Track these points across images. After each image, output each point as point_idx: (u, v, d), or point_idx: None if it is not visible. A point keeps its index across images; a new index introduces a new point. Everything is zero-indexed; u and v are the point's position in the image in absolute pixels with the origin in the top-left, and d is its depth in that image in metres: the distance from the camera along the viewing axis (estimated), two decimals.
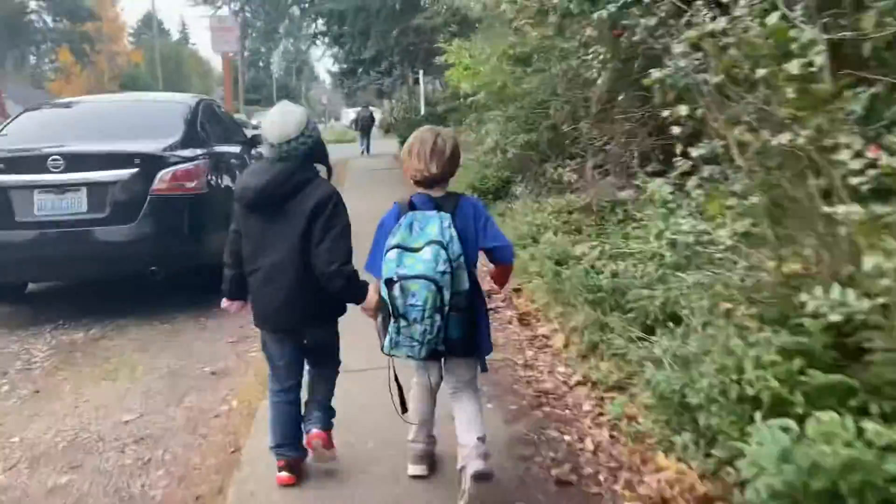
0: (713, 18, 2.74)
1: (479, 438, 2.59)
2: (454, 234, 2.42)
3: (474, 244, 2.54)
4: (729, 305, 2.82)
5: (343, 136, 32.28)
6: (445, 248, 2.37)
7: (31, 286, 6.46)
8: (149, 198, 5.41)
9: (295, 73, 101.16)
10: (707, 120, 2.92)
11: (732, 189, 2.80)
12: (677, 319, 3.73)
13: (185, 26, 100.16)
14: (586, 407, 3.56)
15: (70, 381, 4.43)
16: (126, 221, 5.38)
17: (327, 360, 2.99)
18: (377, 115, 30.83)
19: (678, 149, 3.18)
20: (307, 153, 2.69)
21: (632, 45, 4.91)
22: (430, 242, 2.38)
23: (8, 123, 6.29)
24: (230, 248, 2.92)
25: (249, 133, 8.28)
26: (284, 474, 2.86)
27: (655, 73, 2.91)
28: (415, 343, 2.44)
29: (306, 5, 25.96)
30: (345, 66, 33.37)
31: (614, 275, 4.31)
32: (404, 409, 2.80)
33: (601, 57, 5.36)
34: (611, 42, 4.92)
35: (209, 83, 62.33)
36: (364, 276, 2.71)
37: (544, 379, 3.99)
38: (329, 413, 2.99)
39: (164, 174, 5.47)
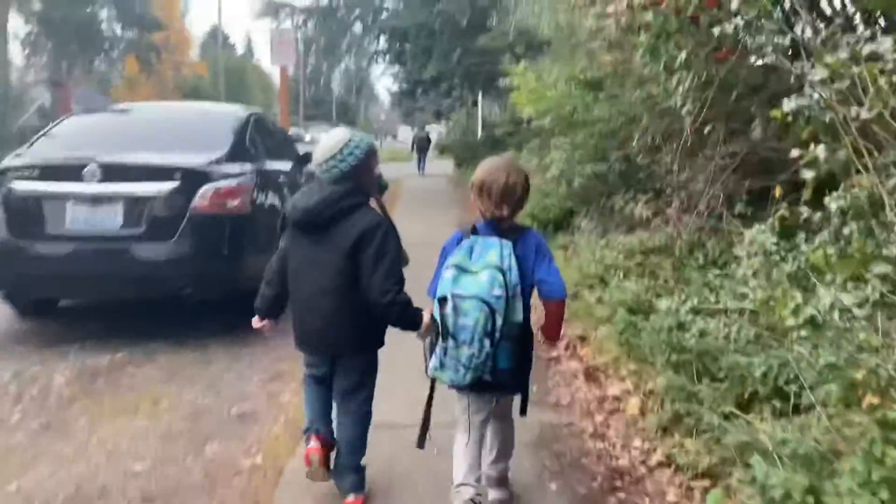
0: (871, 38, 2.17)
1: (493, 463, 2.70)
2: (514, 263, 2.39)
3: (531, 278, 2.50)
4: (875, 401, 2.21)
5: (397, 155, 32.08)
6: (504, 274, 2.34)
7: (63, 301, 6.14)
8: (188, 215, 5.02)
9: (355, 91, 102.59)
10: (851, 164, 2.35)
11: (886, 254, 2.21)
12: (783, 395, 3.14)
13: (250, 40, 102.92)
14: (671, 497, 2.97)
15: (86, 413, 4.01)
16: (163, 239, 5.00)
17: (357, 393, 2.82)
18: (433, 136, 30.62)
19: (804, 194, 2.61)
20: (347, 173, 2.64)
21: (731, 69, 4.39)
22: (488, 266, 2.36)
23: (51, 128, 6.00)
24: (275, 265, 2.86)
25: (303, 149, 7.89)
26: (314, 444, 2.80)
27: (789, 104, 2.34)
28: (461, 367, 2.38)
29: (370, 22, 25.88)
30: (405, 85, 33.38)
31: (702, 334, 3.71)
32: (421, 443, 2.67)
33: (687, 84, 4.80)
34: (705, 66, 4.36)
35: (270, 97, 63.25)
36: (417, 303, 2.63)
37: (618, 454, 3.40)
38: (361, 472, 2.85)
39: (206, 191, 5.08)
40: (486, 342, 2.34)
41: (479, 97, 27.68)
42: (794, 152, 2.44)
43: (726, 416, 3.18)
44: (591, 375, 4.37)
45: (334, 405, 2.89)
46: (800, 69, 2.49)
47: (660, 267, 5.26)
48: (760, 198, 4.95)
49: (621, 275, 5.37)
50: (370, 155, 2.70)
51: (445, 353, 2.42)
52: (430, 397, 2.63)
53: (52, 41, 34.76)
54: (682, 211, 5.71)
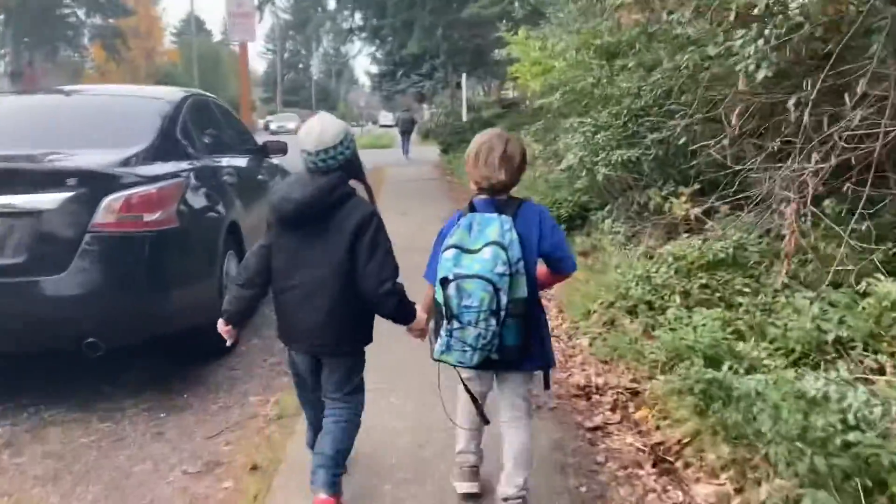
0: None
1: (518, 487, 2.52)
2: (515, 237, 2.31)
3: (535, 250, 2.41)
4: None
5: (378, 141, 30.53)
6: (505, 250, 2.26)
7: None
8: (87, 236, 3.62)
9: (335, 75, 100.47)
10: None
11: None
12: None
13: (226, 27, 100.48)
14: None
15: None
16: (53, 271, 3.59)
17: (345, 390, 2.69)
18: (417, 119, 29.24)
19: None
20: (344, 166, 2.55)
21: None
22: (489, 243, 2.27)
23: None
24: (254, 266, 2.68)
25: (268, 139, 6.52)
26: (322, 497, 2.54)
27: None
28: (467, 348, 2.31)
29: None
30: (384, 67, 31.93)
31: (849, 427, 2.35)
32: (484, 418, 2.60)
33: (761, 43, 3.48)
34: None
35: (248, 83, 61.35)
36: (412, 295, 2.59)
37: None
38: (339, 473, 2.63)
39: (113, 201, 3.67)
40: (493, 321, 2.27)
41: (464, 79, 26.30)
42: None
43: None
44: (662, 462, 3.02)
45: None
46: None
47: (733, 289, 3.92)
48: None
49: (677, 298, 4.04)
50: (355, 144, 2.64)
51: (451, 335, 2.32)
52: (463, 383, 2.58)
53: (9, 29, 32.80)
54: (731, 207, 4.41)
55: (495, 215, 2.34)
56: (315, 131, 2.51)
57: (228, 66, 53.78)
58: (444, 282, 2.30)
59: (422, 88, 30.78)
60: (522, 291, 2.32)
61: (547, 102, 6.96)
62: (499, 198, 2.43)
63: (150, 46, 40.96)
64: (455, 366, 2.45)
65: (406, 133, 24.10)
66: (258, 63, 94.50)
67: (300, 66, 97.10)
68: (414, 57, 23.12)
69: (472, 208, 2.42)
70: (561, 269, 2.50)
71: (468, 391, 2.57)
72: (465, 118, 23.29)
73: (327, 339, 2.57)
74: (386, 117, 53.16)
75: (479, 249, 2.28)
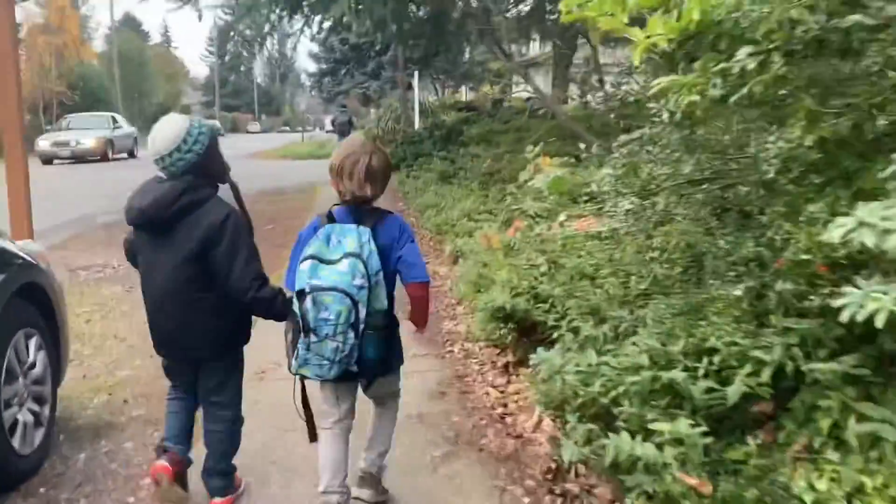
0: None
1: (378, 454, 2.61)
2: (373, 248, 2.27)
3: (394, 263, 2.35)
4: None
5: (320, 150, 26.79)
6: (364, 262, 2.21)
7: None
8: None
9: (279, 79, 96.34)
10: None
11: None
12: None
13: (166, 28, 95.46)
14: None
15: None
16: None
17: (221, 396, 2.60)
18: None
19: None
20: (191, 169, 2.42)
21: None
22: (347, 255, 2.22)
23: None
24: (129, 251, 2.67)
25: None
26: (161, 462, 2.56)
27: None
28: (325, 362, 2.24)
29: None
30: (324, 65, 28.32)
31: None
32: (313, 436, 2.50)
33: None
34: None
35: (178, 85, 56.86)
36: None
37: None
38: (230, 475, 2.68)
39: None
40: (351, 334, 2.21)
41: (416, 78, 22.92)
42: None
43: None
44: None
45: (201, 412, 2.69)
46: None
47: None
48: None
49: None
50: (214, 141, 2.50)
51: (309, 349, 2.23)
52: (303, 392, 2.42)
53: None
54: None
55: (354, 226, 2.29)
56: (158, 134, 2.42)
57: (157, 68, 49.50)
58: (301, 294, 2.22)
59: (367, 89, 27.29)
60: (382, 303, 2.28)
61: (682, 91, 3.25)
62: (360, 209, 2.37)
63: (61, 43, 36.27)
64: (314, 379, 2.34)
65: (343, 135, 22.07)
66: (199, 67, 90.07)
67: (242, 68, 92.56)
68: (357, 52, 19.49)
69: (331, 218, 2.34)
70: (412, 276, 2.33)
71: (304, 403, 2.43)
72: (417, 124, 19.90)
73: (188, 347, 2.53)
74: (330, 122, 49.51)
75: (338, 261, 2.22)
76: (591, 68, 14.32)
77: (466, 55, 26.95)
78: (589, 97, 11.53)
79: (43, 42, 35.30)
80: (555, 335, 3.30)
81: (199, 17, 22.00)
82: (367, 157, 2.32)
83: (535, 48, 23.50)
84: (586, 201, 3.94)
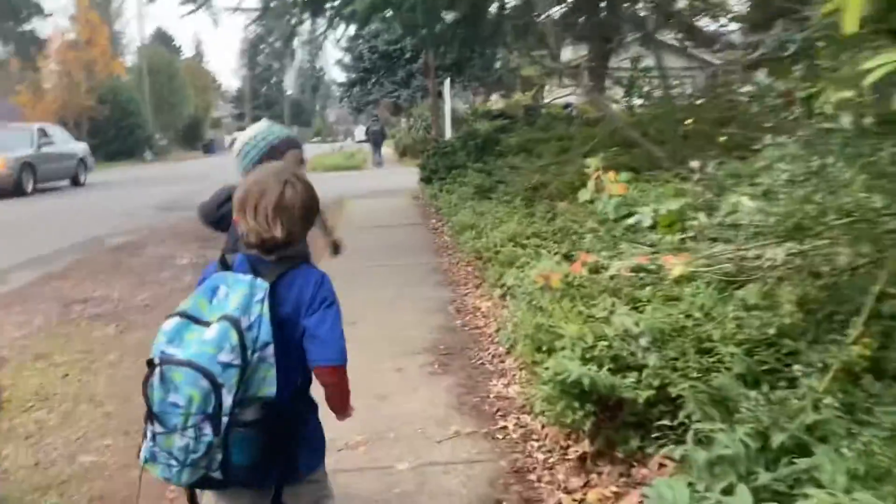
0: None
1: None
2: (265, 312, 1.67)
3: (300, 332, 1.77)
4: None
5: (348, 161, 26.00)
6: (240, 331, 1.61)
7: None
8: None
9: (310, 90, 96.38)
10: None
11: None
12: None
13: (199, 42, 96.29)
14: None
15: None
16: None
17: None
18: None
19: None
20: None
21: None
22: (221, 318, 1.62)
23: None
24: None
25: None
26: None
27: None
28: (173, 461, 1.61)
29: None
30: (352, 74, 27.58)
31: None
32: None
33: None
34: None
35: (208, 98, 56.81)
36: None
37: None
38: None
39: None
40: (207, 429, 1.58)
41: (447, 85, 22.03)
42: None
43: None
44: None
45: None
46: None
47: None
48: None
49: None
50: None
51: (154, 440, 1.62)
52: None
53: None
54: None
55: (249, 277, 1.71)
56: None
57: (187, 80, 49.37)
58: (150, 365, 1.64)
59: (397, 98, 26.43)
60: (269, 388, 1.67)
61: None
62: (265, 256, 1.80)
63: (91, 58, 36.12)
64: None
65: (377, 144, 23.38)
66: (232, 80, 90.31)
67: (273, 80, 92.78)
68: (387, 60, 18.67)
69: (225, 262, 1.80)
70: (319, 357, 1.76)
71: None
72: (448, 134, 18.98)
73: None
74: (361, 132, 48.94)
75: (211, 325, 1.64)
76: (637, 70, 13.31)
77: (498, 62, 26.10)
78: (639, 100, 10.51)
79: (72, 57, 35.20)
80: (656, 424, 2.34)
81: (215, 23, 21.51)
82: (279, 187, 1.78)
83: (565, 53, 22.55)
84: (692, 237, 2.94)
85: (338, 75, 42.49)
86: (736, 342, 2.48)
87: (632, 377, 2.77)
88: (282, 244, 1.79)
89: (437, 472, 2.90)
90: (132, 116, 37.95)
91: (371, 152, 25.15)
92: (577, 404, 2.82)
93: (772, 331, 2.05)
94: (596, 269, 3.80)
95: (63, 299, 6.34)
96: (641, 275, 3.10)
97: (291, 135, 2.50)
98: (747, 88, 6.09)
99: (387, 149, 27.97)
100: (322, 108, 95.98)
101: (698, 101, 6.55)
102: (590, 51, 15.28)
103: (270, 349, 1.67)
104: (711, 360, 2.57)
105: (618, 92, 14.23)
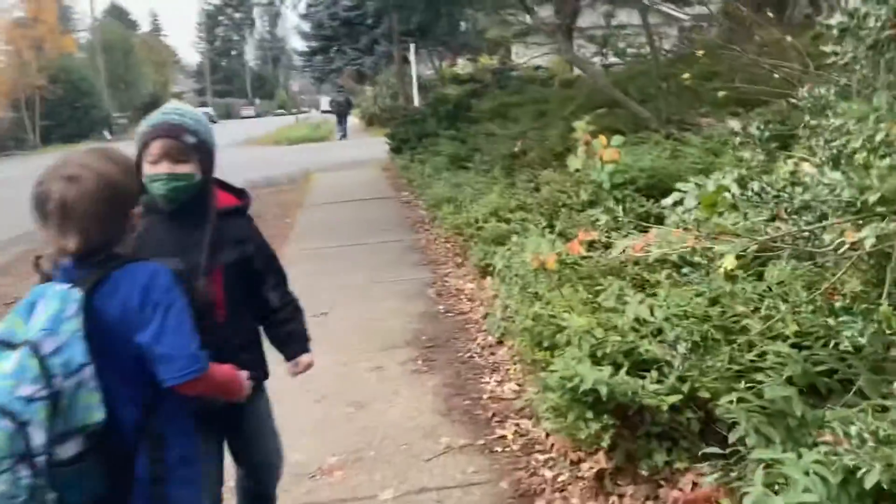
0: None
1: None
2: (77, 328, 1.43)
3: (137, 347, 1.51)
4: None
5: (314, 133, 25.22)
6: (41, 357, 1.38)
7: None
8: None
9: (271, 62, 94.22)
10: None
11: None
12: None
13: (156, 16, 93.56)
14: None
15: None
16: None
17: None
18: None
19: None
20: None
21: None
22: (23, 343, 1.39)
23: None
24: None
25: None
26: None
27: None
28: None
29: None
30: (314, 43, 26.63)
31: None
32: None
33: None
34: None
35: (166, 74, 55.14)
36: None
37: None
38: None
39: None
40: (23, 472, 1.36)
41: (412, 51, 21.33)
42: None
43: None
44: None
45: None
46: None
47: None
48: None
49: None
50: None
51: None
52: None
53: None
54: None
55: (62, 288, 1.46)
56: None
57: (144, 56, 47.76)
58: None
59: (360, 66, 25.58)
60: (96, 417, 1.45)
61: None
62: (83, 262, 1.53)
63: (39, 35, 34.62)
64: None
65: (342, 115, 22.43)
66: (191, 54, 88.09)
67: (233, 52, 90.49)
68: (348, 27, 17.92)
69: (43, 273, 1.53)
70: (168, 376, 1.49)
71: None
72: (417, 101, 18.37)
73: None
74: (327, 102, 47.95)
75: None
76: (611, 28, 12.85)
77: (463, 24, 25.34)
78: (613, 59, 10.04)
79: (19, 35, 33.68)
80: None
81: None
82: (60, 186, 1.46)
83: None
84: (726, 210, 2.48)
85: (299, 44, 41.35)
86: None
87: (652, 381, 2.35)
88: (84, 256, 1.49)
89: (429, 502, 2.46)
90: (87, 96, 36.60)
91: (336, 124, 24.56)
92: (590, 414, 2.38)
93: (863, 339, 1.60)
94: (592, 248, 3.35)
95: (3, 297, 5.78)
96: (685, 270, 2.65)
97: (169, 120, 1.83)
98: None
99: (353, 119, 27.23)
100: (285, 79, 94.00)
101: (700, 53, 6.08)
102: (557, 10, 14.76)
103: (88, 371, 1.43)
104: (753, 357, 2.14)
105: (589, 51, 13.79)
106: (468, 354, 3.77)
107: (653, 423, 2.39)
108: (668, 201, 2.07)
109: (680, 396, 2.29)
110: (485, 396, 3.23)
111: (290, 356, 2.01)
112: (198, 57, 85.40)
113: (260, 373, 1.94)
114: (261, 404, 2.00)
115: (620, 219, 2.57)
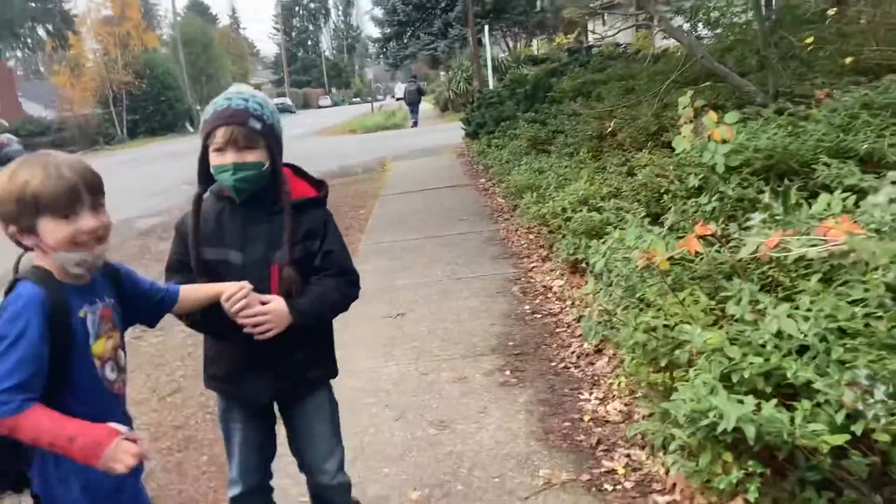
0: None
1: None
2: None
3: None
4: None
5: (388, 120, 25.02)
6: None
7: None
8: None
9: (346, 50, 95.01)
10: None
11: None
12: None
13: (235, 10, 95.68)
14: None
15: None
16: None
17: None
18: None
19: None
20: None
21: None
22: None
23: None
24: None
25: None
26: None
27: None
28: None
29: None
30: (387, 29, 26.37)
31: None
32: None
33: None
34: None
35: (245, 66, 56.26)
36: None
37: None
38: None
39: None
40: None
41: (486, 32, 20.77)
42: None
43: None
44: None
45: None
46: None
47: None
48: None
49: None
50: None
51: None
52: None
53: None
54: None
55: None
56: None
57: (223, 49, 48.76)
58: None
59: (434, 50, 25.18)
60: None
61: None
62: None
63: (124, 32, 35.67)
64: None
65: (413, 104, 22.34)
66: (268, 45, 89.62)
67: (309, 43, 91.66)
68: (422, 11, 17.55)
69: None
70: None
71: None
72: (491, 84, 17.84)
73: None
74: (401, 89, 47.95)
75: None
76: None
77: (538, 2, 24.60)
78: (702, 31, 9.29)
79: (106, 32, 34.79)
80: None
81: None
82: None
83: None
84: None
85: (373, 31, 41.37)
86: None
87: (805, 413, 1.87)
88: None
89: None
90: (170, 90, 37.62)
91: (408, 113, 24.40)
92: (730, 457, 1.93)
93: None
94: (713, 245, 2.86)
95: None
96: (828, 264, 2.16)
97: (233, 105, 1.69)
98: None
99: (427, 105, 26.87)
100: (360, 67, 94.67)
101: (830, 11, 5.41)
102: None
103: None
104: None
105: (675, 23, 12.95)
106: (562, 364, 3.34)
107: (809, 468, 1.92)
108: (880, 199, 1.59)
109: (847, 437, 1.81)
110: (586, 418, 2.80)
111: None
112: (275, 48, 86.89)
113: (318, 372, 1.89)
114: (312, 405, 1.90)
115: (779, 217, 2.09)
